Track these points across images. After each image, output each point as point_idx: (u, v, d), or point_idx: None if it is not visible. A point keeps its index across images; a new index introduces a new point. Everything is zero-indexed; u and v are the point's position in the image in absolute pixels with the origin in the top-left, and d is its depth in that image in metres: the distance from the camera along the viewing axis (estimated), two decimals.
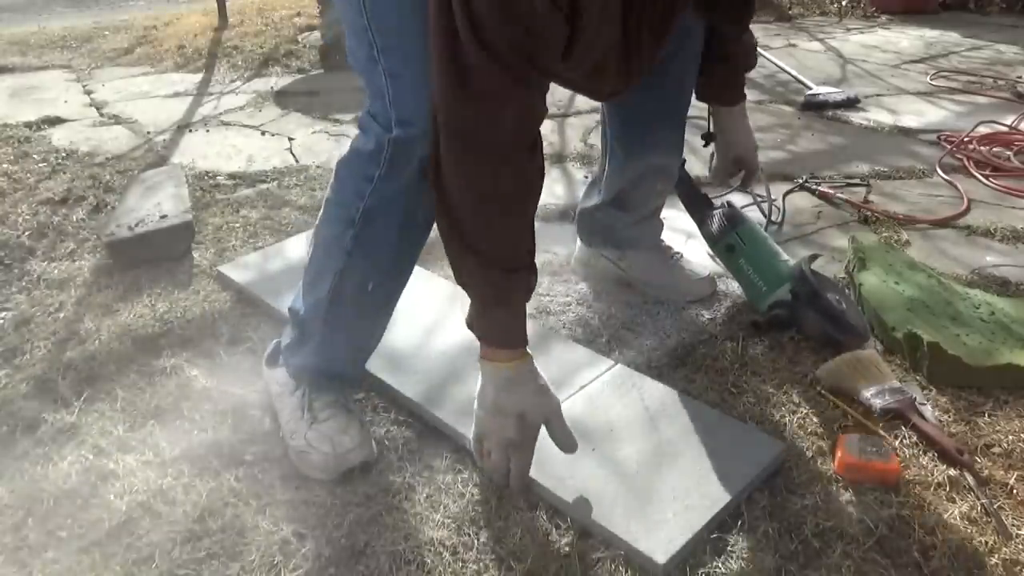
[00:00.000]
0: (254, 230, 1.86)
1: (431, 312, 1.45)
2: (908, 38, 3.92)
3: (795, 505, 1.03)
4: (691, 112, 1.41)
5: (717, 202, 1.59)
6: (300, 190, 2.10)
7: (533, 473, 1.05)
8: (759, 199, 1.90)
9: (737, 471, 1.05)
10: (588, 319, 1.47)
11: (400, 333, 1.39)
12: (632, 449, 1.11)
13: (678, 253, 1.59)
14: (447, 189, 0.93)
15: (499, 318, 1.03)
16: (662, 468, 1.07)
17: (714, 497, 1.01)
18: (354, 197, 1.05)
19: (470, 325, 1.04)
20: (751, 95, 3.02)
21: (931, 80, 3.11)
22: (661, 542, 0.95)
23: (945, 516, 1.00)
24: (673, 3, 0.96)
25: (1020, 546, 0.97)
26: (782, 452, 1.10)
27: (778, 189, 2.02)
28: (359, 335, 1.16)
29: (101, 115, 2.84)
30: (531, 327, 1.40)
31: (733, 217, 1.50)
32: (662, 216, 1.57)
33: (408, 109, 0.97)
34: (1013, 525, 1.00)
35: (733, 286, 1.55)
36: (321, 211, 1.14)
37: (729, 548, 0.97)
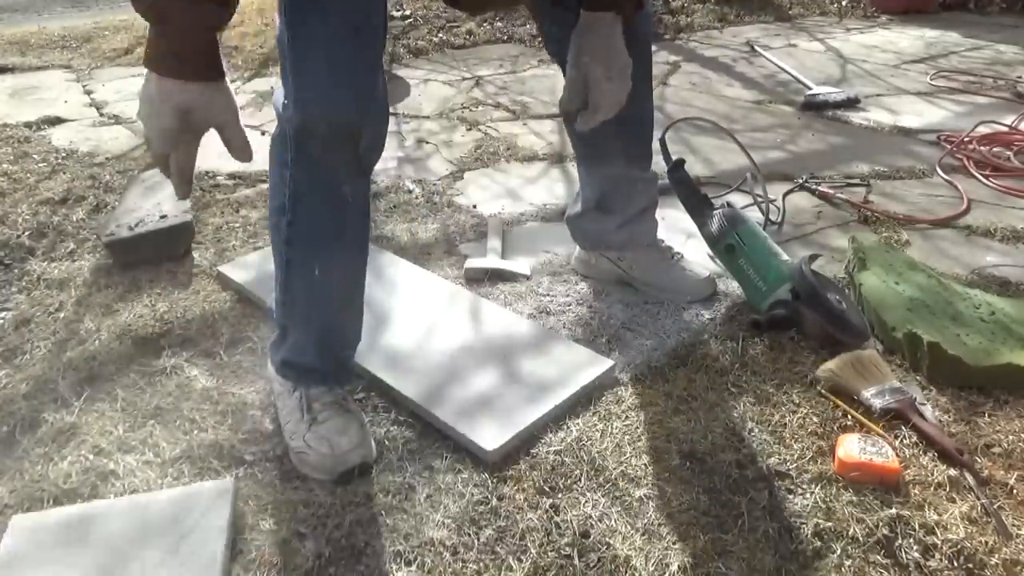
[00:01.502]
0: (254, 230, 1.86)
1: (431, 312, 1.45)
2: (908, 38, 3.92)
3: (795, 505, 1.03)
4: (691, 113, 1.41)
5: (717, 202, 1.59)
6: None
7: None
8: (759, 199, 1.90)
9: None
10: (588, 319, 1.47)
11: (400, 333, 1.39)
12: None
13: (678, 253, 1.58)
14: None
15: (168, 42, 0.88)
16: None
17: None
18: (279, 184, 1.06)
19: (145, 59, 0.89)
20: (750, 95, 3.04)
21: (931, 80, 3.11)
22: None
23: (945, 516, 1.00)
24: None
25: (1020, 546, 0.97)
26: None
27: (778, 189, 2.03)
28: (321, 325, 1.14)
29: (101, 115, 2.84)
30: (531, 327, 1.41)
31: (733, 217, 1.50)
32: (659, 216, 1.56)
33: (305, 90, 0.97)
34: (1013, 525, 1.00)
35: (733, 286, 1.55)
36: None
37: (729, 548, 0.97)
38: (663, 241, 1.58)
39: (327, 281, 1.09)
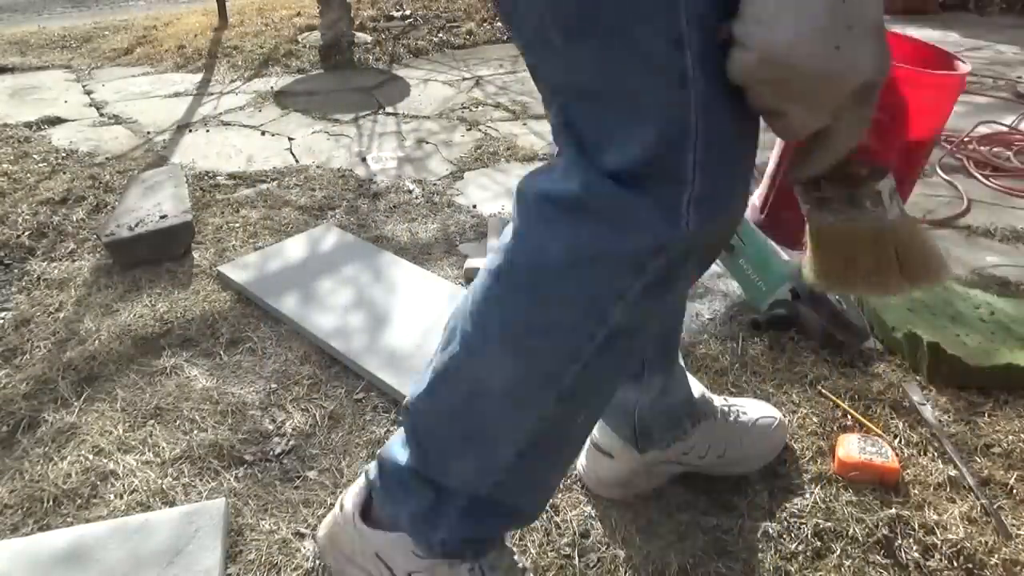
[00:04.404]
0: (254, 230, 1.86)
1: (431, 312, 1.45)
2: None
3: (795, 505, 1.03)
4: None
5: None
6: (300, 190, 2.10)
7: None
8: None
9: None
10: None
11: (400, 333, 1.39)
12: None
13: (724, 400, 1.12)
14: None
15: None
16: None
17: None
18: (584, 317, 0.67)
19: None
20: None
21: None
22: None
23: (945, 516, 1.00)
24: None
25: (1020, 546, 0.97)
26: None
27: None
28: (554, 478, 0.83)
29: (101, 115, 2.84)
30: None
31: None
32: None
33: (720, 192, 0.64)
34: (1013, 525, 1.00)
35: (733, 286, 1.55)
36: (474, 322, 0.74)
37: (729, 548, 0.97)
38: (706, 395, 1.09)
39: (587, 424, 0.80)
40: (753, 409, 1.11)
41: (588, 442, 1.05)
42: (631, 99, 0.61)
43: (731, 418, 1.07)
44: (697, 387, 1.06)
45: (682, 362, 1.04)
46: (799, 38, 0.50)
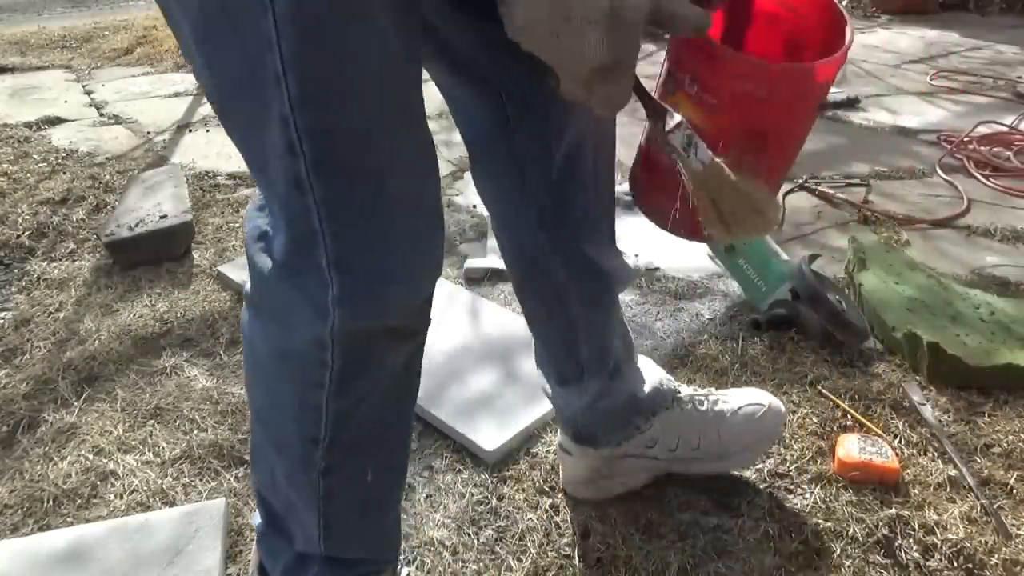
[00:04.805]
0: None
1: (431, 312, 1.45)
2: (908, 38, 3.92)
3: (795, 505, 1.03)
4: None
5: None
6: None
7: None
8: None
9: None
10: None
11: None
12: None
13: (708, 392, 1.07)
14: None
15: None
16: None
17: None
18: (300, 408, 0.71)
19: None
20: None
21: (931, 80, 3.11)
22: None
23: (945, 516, 1.00)
24: None
25: (1020, 546, 0.97)
26: None
27: None
28: (380, 522, 0.83)
29: (101, 115, 2.84)
30: None
31: None
32: None
33: (366, 286, 0.63)
34: (1013, 525, 1.00)
35: (733, 286, 1.55)
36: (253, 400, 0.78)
37: (729, 548, 0.97)
38: (677, 388, 1.06)
39: (381, 477, 0.79)
40: (737, 397, 1.05)
41: (557, 443, 1.08)
42: (273, 194, 0.62)
43: (703, 407, 1.03)
44: (653, 379, 1.03)
45: (640, 363, 1.04)
46: (527, 24, 0.55)
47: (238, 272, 1.61)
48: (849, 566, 0.94)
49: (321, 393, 0.68)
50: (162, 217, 1.74)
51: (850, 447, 1.08)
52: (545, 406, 1.19)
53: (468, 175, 2.22)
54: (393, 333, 0.68)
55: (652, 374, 1.04)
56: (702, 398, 1.05)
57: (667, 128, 0.66)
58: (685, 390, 1.06)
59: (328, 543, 0.77)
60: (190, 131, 2.64)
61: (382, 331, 0.66)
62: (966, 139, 2.32)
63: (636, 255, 1.67)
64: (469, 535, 1.00)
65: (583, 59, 0.56)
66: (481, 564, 0.96)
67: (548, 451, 1.13)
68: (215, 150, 2.45)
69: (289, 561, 0.81)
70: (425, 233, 0.66)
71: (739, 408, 1.04)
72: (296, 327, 0.65)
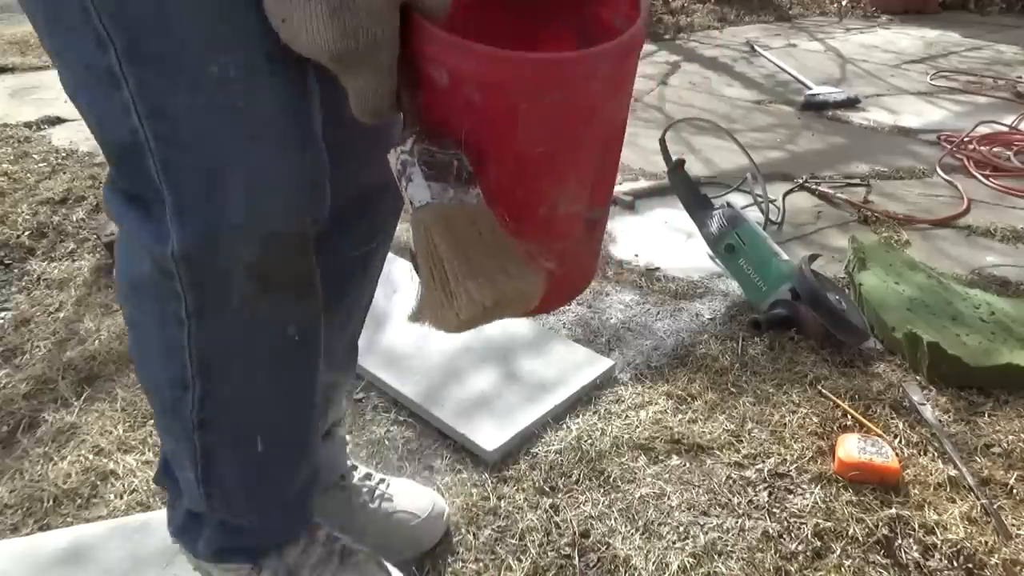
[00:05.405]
0: None
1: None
2: (908, 38, 3.92)
3: (795, 505, 1.03)
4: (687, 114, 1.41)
5: (717, 202, 1.59)
6: None
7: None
8: (759, 199, 1.90)
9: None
10: (588, 319, 1.47)
11: (400, 333, 1.39)
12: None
13: (383, 482, 1.00)
14: None
15: None
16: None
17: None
18: (167, 348, 0.68)
19: None
20: (750, 95, 3.04)
21: (931, 80, 3.11)
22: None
23: (945, 516, 1.00)
24: None
25: (1020, 546, 0.97)
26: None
27: (778, 189, 2.02)
28: (273, 498, 0.79)
29: None
30: (531, 327, 1.41)
31: (733, 217, 1.50)
32: (660, 217, 1.55)
33: (201, 200, 0.59)
34: (1013, 525, 1.00)
35: (733, 286, 1.55)
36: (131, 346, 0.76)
37: (729, 549, 0.97)
38: (355, 469, 0.99)
39: (277, 448, 0.75)
40: (404, 498, 0.98)
41: None
42: (88, 107, 0.60)
43: (361, 499, 0.96)
44: (336, 463, 0.97)
45: (341, 433, 0.97)
46: (266, 6, 0.52)
47: None
48: (849, 566, 0.94)
49: (182, 332, 0.65)
50: None
51: (850, 447, 1.08)
52: (544, 406, 1.19)
53: None
54: (253, 274, 0.62)
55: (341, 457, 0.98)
56: (369, 487, 0.98)
57: (396, 144, 0.55)
58: (359, 475, 0.99)
59: (211, 503, 0.76)
60: None
61: (240, 268, 0.61)
62: (966, 139, 2.32)
63: (636, 255, 1.67)
64: (469, 535, 1.00)
65: (303, 47, 0.51)
66: (481, 564, 0.96)
67: (548, 451, 1.13)
68: None
69: (180, 519, 0.82)
70: (272, 152, 0.58)
71: (395, 512, 0.97)
72: (137, 252, 0.64)
